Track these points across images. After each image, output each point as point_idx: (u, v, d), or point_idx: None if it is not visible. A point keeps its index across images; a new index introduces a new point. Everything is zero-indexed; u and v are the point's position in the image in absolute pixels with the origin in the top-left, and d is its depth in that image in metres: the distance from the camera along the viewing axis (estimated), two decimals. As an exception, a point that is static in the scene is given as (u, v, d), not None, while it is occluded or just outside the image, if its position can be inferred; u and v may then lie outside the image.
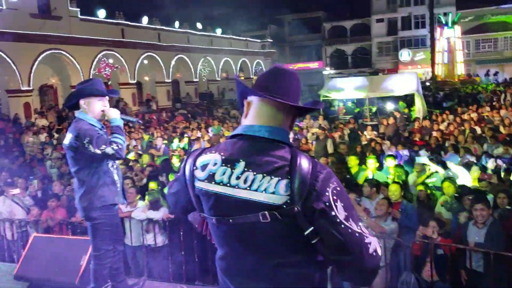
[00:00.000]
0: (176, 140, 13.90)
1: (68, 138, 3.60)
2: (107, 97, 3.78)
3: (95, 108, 3.66)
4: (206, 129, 16.50)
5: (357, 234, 1.58)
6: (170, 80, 32.56)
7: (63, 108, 24.04)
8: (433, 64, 31.39)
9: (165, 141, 13.41)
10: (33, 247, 4.80)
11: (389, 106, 18.97)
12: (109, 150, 3.45)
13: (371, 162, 7.97)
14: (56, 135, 16.77)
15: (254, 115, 1.76)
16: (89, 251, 4.31)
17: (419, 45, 46.14)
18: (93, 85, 3.69)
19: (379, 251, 1.62)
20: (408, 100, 19.21)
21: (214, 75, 38.33)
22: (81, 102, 3.66)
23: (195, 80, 35.49)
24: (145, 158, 10.24)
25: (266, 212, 1.59)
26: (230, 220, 1.68)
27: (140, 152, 11.72)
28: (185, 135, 15.05)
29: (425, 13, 42.72)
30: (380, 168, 8.33)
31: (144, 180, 8.52)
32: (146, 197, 6.72)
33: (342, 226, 1.56)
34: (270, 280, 1.68)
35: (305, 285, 1.67)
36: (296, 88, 1.77)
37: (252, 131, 1.72)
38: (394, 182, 6.74)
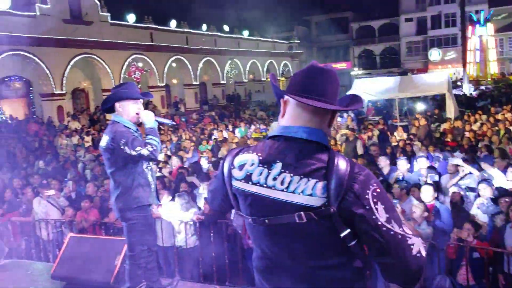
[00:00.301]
0: (204, 142, 14.01)
1: (104, 140, 3.67)
2: (141, 100, 3.85)
3: (129, 111, 3.73)
4: (233, 130, 16.56)
5: (399, 236, 1.55)
6: (197, 83, 32.88)
7: (94, 111, 24.57)
8: (464, 63, 30.72)
9: (193, 143, 13.52)
10: (69, 247, 4.89)
11: (419, 106, 18.64)
12: (144, 152, 3.51)
13: (402, 163, 7.85)
14: (86, 138, 17.13)
15: (291, 115, 1.73)
16: (123, 251, 4.38)
17: (449, 44, 45.26)
18: (127, 89, 3.76)
19: (423, 252, 1.59)
20: (439, 100, 18.86)
21: (241, 77, 38.50)
22: (117, 105, 3.73)
23: (222, 82, 35.73)
24: (174, 160, 10.36)
25: (302, 212, 1.58)
26: (266, 221, 1.67)
27: (169, 154, 11.85)
28: (213, 136, 15.16)
29: (456, 11, 41.99)
30: (411, 169, 8.19)
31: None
32: (177, 198, 6.78)
33: (384, 228, 1.54)
34: (306, 281, 1.66)
35: None
36: (334, 88, 1.72)
37: (288, 132, 1.70)
38: (426, 184, 6.61)
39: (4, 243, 6.11)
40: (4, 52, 19.54)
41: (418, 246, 1.57)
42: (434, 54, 44.69)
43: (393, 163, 8.35)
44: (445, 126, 14.07)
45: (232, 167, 1.79)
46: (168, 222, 6.44)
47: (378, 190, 1.58)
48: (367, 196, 1.55)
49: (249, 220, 1.74)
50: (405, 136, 12.60)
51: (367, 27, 50.66)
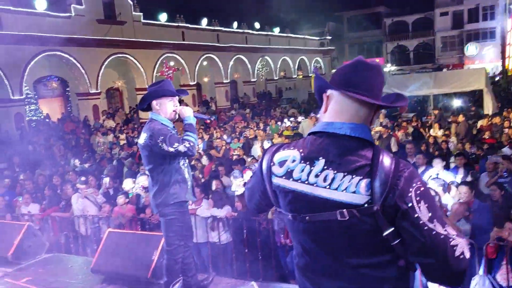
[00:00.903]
0: (235, 140, 14.08)
1: (142, 138, 3.72)
2: (177, 97, 3.90)
3: (167, 108, 3.78)
4: (264, 128, 16.56)
5: (441, 236, 1.51)
6: (228, 81, 33.03)
7: (129, 110, 25.03)
8: (503, 57, 29.81)
9: (224, 142, 13.59)
10: (108, 241, 5.01)
11: (455, 103, 18.22)
12: (181, 148, 3.56)
13: (437, 161, 7.72)
14: (121, 136, 17.48)
15: (335, 110, 1.69)
16: (160, 246, 4.46)
17: (487, 38, 43.94)
18: (164, 86, 3.80)
19: (467, 254, 1.54)
20: (476, 96, 18.37)
21: (272, 74, 38.46)
22: (154, 103, 3.77)
23: (253, 80, 35.80)
24: (204, 159, 10.51)
25: (344, 210, 1.56)
26: (307, 218, 1.65)
27: (201, 152, 11.96)
28: (244, 134, 15.21)
29: (495, 4, 40.73)
30: (447, 167, 8.03)
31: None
32: (211, 196, 6.87)
33: (426, 228, 1.50)
34: (347, 280, 1.64)
35: None
36: (380, 83, 1.68)
37: (333, 128, 1.66)
38: (464, 182, 6.47)
39: (44, 238, 6.31)
40: (41, 52, 20.12)
41: (462, 248, 1.53)
42: (471, 48, 43.50)
43: (429, 160, 8.19)
44: (482, 122, 13.72)
45: (272, 163, 1.76)
46: (202, 219, 6.52)
47: (422, 188, 1.54)
48: (410, 194, 1.52)
49: (289, 217, 1.72)
50: (440, 133, 12.36)
51: (400, 22, 49.76)
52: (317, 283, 1.72)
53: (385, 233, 1.55)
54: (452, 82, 16.50)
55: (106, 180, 8.55)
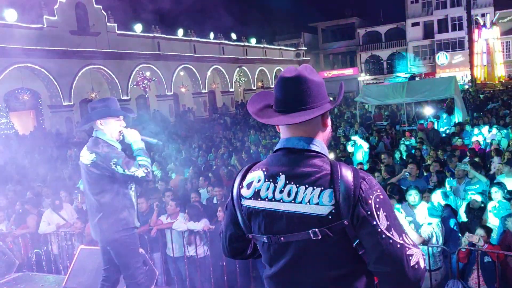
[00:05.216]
0: (213, 150, 14.03)
1: (89, 158, 3.45)
2: (122, 117, 3.64)
3: (113, 129, 3.53)
4: (243, 138, 16.54)
5: (398, 245, 1.55)
6: (206, 91, 32.96)
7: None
8: (471, 66, 30.60)
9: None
10: (80, 259, 4.91)
11: (428, 111, 18.56)
12: (139, 173, 3.38)
13: (411, 167, 7.86)
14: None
15: (288, 127, 1.73)
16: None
17: (456, 48, 44.99)
18: (110, 105, 3.54)
19: (422, 264, 1.58)
20: (448, 104, 18.75)
21: (250, 84, 38.56)
22: (98, 122, 3.51)
23: (231, 90, 35.84)
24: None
25: (316, 229, 1.57)
26: (282, 238, 1.66)
27: (177, 164, 11.83)
28: (223, 145, 15.14)
29: (462, 15, 41.78)
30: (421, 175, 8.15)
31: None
32: (187, 209, 6.78)
33: (383, 236, 1.54)
34: None
35: None
36: (310, 90, 1.67)
37: (290, 144, 1.70)
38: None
39: (14, 256, 6.13)
40: (13, 64, 19.74)
41: (417, 257, 1.57)
42: (442, 57, 44.48)
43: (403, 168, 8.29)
44: (454, 130, 13.98)
45: (241, 187, 1.79)
46: (178, 233, 6.44)
47: (381, 196, 1.58)
48: (370, 201, 1.55)
49: (264, 239, 1.72)
50: (413, 141, 12.55)
51: (373, 33, 50.50)
52: None
53: (354, 244, 1.58)
54: (424, 90, 16.83)
55: (79, 196, 8.27)
